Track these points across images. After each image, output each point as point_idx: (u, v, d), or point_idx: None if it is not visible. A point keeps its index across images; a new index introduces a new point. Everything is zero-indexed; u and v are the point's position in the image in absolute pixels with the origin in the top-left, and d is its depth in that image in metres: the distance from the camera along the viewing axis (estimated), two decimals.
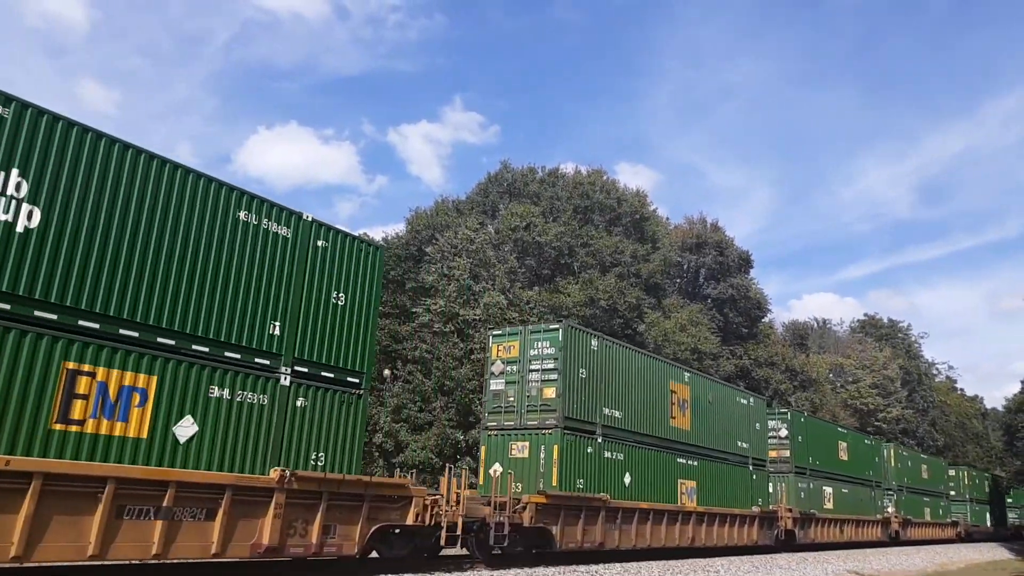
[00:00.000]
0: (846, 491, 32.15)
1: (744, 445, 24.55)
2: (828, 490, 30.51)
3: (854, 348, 69.39)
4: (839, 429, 34.73)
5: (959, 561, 27.97)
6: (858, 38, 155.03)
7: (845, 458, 32.77)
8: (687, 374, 22.18)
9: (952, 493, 49.21)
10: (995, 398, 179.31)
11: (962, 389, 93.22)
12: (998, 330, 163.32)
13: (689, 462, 20.96)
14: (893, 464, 39.33)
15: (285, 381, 10.73)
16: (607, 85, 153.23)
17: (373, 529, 11.62)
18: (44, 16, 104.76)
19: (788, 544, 26.82)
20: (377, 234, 49.69)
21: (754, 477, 24.84)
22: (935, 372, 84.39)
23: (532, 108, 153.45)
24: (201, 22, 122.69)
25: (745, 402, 25.41)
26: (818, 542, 29.03)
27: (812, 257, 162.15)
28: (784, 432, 28.56)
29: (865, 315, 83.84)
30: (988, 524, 53.57)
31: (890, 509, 37.24)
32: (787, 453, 28.38)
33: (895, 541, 36.37)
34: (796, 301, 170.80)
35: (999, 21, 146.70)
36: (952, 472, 50.89)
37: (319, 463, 11.01)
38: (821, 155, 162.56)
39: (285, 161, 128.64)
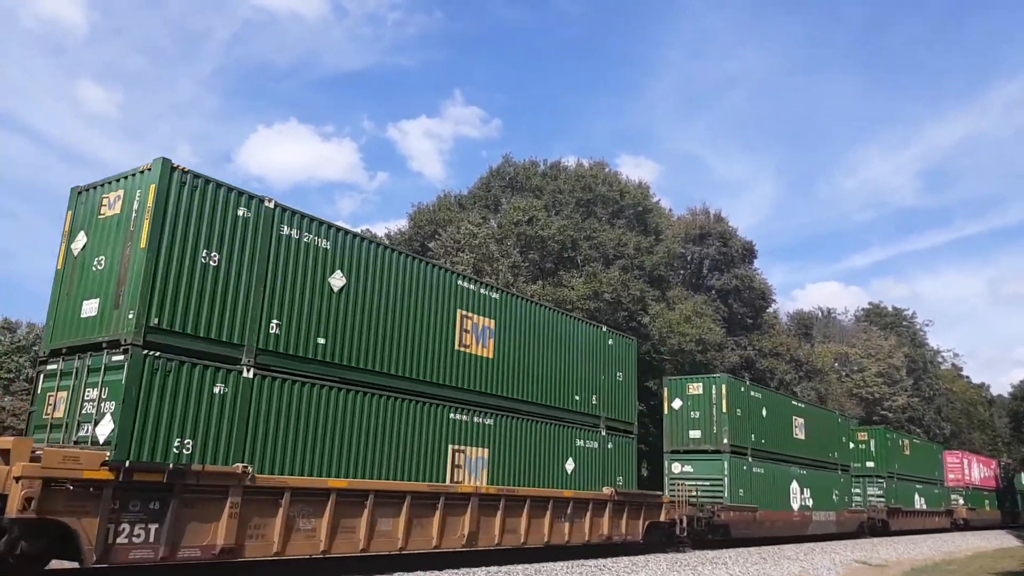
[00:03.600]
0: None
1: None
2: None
3: (859, 337, 69.14)
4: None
5: (966, 549, 28.02)
6: (861, 26, 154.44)
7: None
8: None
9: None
10: (1000, 384, 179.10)
11: (968, 376, 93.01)
12: (1002, 316, 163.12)
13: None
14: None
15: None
16: (608, 77, 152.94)
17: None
18: (39, 18, 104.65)
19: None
20: (380, 230, 49.59)
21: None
22: (940, 360, 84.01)
23: (533, 101, 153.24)
24: (201, 20, 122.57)
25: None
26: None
27: (816, 246, 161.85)
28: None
29: (870, 304, 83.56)
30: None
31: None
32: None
33: None
34: (800, 291, 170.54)
35: (1002, 8, 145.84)
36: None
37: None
38: (824, 144, 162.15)
39: (286, 159, 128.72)
